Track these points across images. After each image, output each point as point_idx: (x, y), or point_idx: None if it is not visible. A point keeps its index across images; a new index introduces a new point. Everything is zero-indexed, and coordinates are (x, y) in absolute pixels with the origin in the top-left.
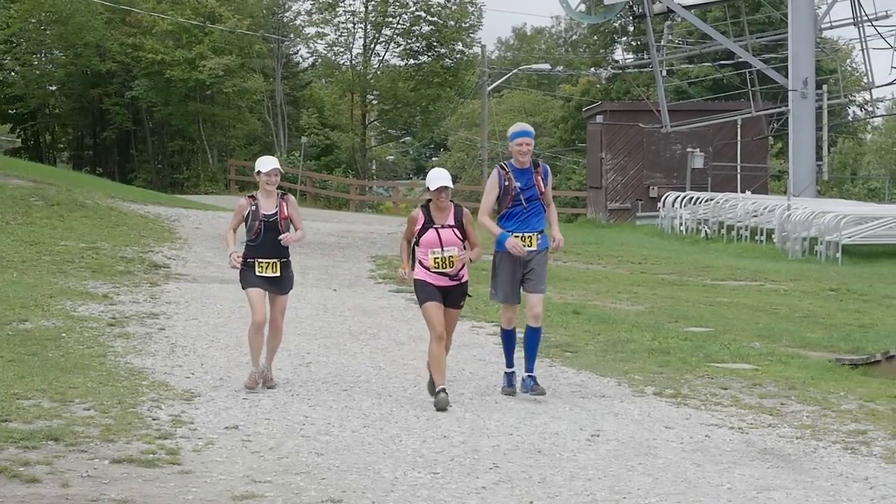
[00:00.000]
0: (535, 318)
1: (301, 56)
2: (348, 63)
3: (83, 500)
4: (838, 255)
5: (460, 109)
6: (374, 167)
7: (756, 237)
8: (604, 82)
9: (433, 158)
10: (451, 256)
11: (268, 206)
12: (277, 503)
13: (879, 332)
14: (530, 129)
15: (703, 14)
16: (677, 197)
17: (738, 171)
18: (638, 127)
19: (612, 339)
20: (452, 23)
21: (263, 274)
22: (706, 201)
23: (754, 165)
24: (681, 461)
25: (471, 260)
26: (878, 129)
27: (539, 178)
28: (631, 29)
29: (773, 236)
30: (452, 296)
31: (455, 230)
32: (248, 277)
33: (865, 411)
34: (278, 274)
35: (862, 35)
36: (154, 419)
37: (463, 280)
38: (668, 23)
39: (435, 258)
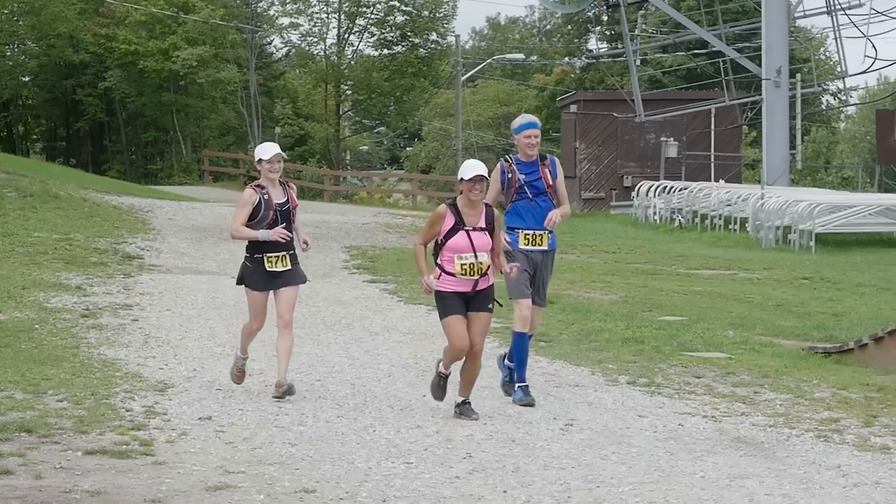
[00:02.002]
0: (524, 321)
1: (275, 46)
2: (322, 53)
3: (56, 492)
4: (812, 243)
5: (434, 99)
6: (348, 157)
7: (730, 226)
8: (578, 72)
9: (407, 148)
10: (482, 263)
11: (277, 195)
12: (251, 494)
13: (852, 320)
14: (537, 120)
15: (677, 3)
16: (651, 186)
17: (712, 160)
18: (612, 116)
19: (586, 328)
20: (426, 12)
21: (274, 269)
22: (680, 190)
23: (728, 154)
24: (654, 450)
25: (501, 271)
26: (852, 118)
27: (546, 170)
28: (605, 18)
29: (746, 225)
30: (478, 300)
31: (487, 233)
32: (252, 276)
33: (838, 399)
34: (289, 267)
35: (835, 24)
36: (127, 410)
37: (488, 285)
38: (642, 12)
39: (463, 265)
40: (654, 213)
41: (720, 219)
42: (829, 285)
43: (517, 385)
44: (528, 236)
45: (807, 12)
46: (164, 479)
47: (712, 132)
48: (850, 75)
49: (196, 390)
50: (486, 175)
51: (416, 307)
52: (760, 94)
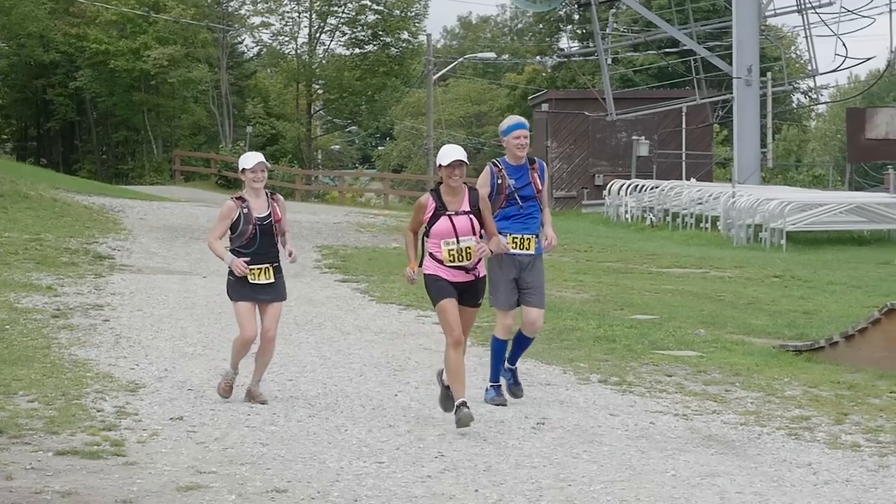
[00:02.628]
0: (534, 331)
1: (246, 46)
2: (293, 52)
3: (27, 493)
4: (783, 241)
5: (406, 98)
6: (319, 157)
7: (701, 224)
8: (549, 71)
9: (379, 148)
10: (469, 248)
11: (259, 208)
12: (222, 494)
13: (823, 318)
14: (525, 121)
15: (648, 2)
16: (623, 185)
17: (684, 158)
18: (583, 115)
19: (558, 327)
20: (398, 12)
21: (257, 281)
22: (651, 189)
23: (699, 153)
24: (626, 448)
25: (490, 252)
26: (822, 117)
27: (535, 175)
28: (576, 17)
29: (718, 224)
30: (469, 293)
31: (471, 217)
32: (237, 288)
33: (809, 397)
34: (272, 280)
35: (806, 22)
36: (98, 411)
37: (480, 275)
38: (613, 11)
39: (449, 250)
40: (626, 212)
41: (691, 217)
42: (800, 283)
43: (490, 384)
44: (516, 240)
45: (777, 11)
46: (136, 479)
47: (683, 131)
48: (821, 74)
49: (167, 390)
50: (465, 159)
51: (388, 306)
52: (731, 93)
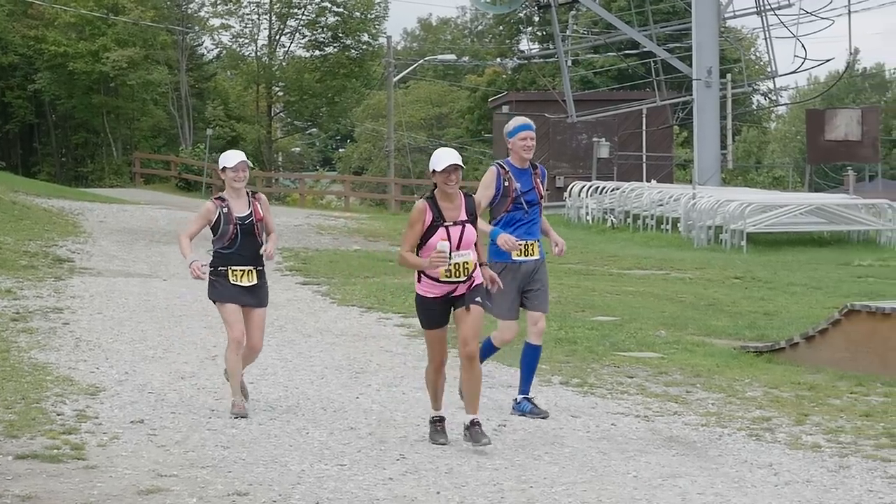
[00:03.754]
0: (539, 333)
1: (206, 48)
2: (253, 54)
3: None
4: (743, 243)
5: (366, 100)
6: (280, 159)
7: (662, 226)
8: (510, 72)
9: (340, 150)
10: (466, 263)
11: (240, 208)
12: (183, 497)
13: (784, 319)
14: (532, 123)
15: (608, 3)
16: (583, 186)
17: (644, 160)
18: (544, 117)
19: (519, 329)
20: (358, 14)
21: (239, 283)
22: (612, 191)
23: (660, 154)
24: (587, 450)
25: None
26: (782, 118)
27: (538, 180)
28: (536, 19)
29: (678, 225)
30: (464, 296)
31: (468, 227)
32: (219, 289)
33: (770, 398)
34: (255, 282)
35: (765, 24)
36: (58, 414)
37: (474, 284)
38: (573, 13)
39: (446, 267)
40: (587, 214)
41: (652, 219)
42: (760, 284)
43: (521, 396)
44: (521, 246)
45: (737, 13)
46: (96, 483)
47: (644, 132)
48: (780, 75)
49: (128, 394)
50: (461, 163)
51: (349, 309)
52: (691, 95)
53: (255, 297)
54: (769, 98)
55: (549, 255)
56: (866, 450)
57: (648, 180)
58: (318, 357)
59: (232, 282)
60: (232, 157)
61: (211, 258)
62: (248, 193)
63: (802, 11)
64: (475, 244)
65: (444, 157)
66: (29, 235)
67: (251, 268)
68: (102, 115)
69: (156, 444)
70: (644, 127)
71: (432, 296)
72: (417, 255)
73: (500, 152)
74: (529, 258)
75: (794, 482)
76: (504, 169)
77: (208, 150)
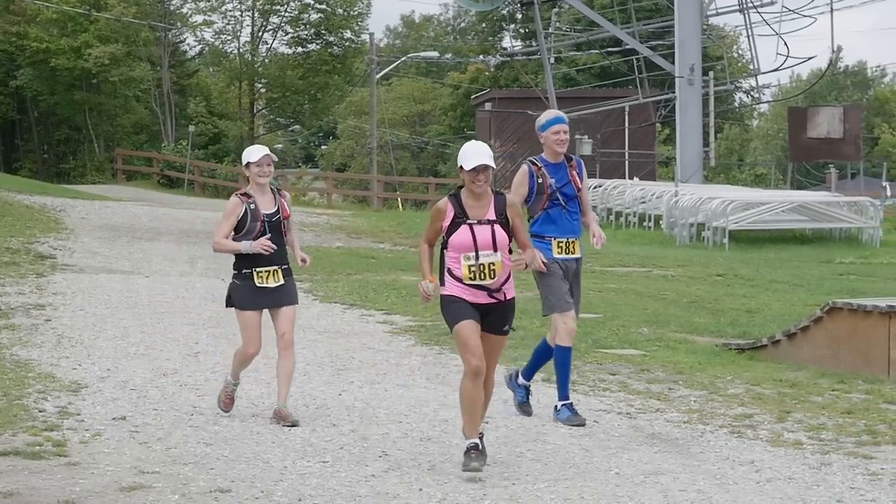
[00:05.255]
0: (570, 334)
1: (188, 44)
2: (236, 51)
3: None
4: (725, 240)
5: (349, 97)
6: None
7: (644, 223)
8: (492, 70)
9: (322, 147)
10: (493, 264)
11: (266, 205)
12: (166, 494)
13: (766, 316)
14: (564, 115)
15: (591, 1)
16: None
17: (626, 157)
18: (526, 114)
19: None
20: (341, 10)
21: (265, 285)
22: (595, 188)
23: (642, 152)
24: (569, 447)
25: (525, 266)
26: (764, 116)
27: (574, 172)
28: (519, 16)
29: (660, 222)
30: (493, 317)
31: (497, 227)
32: (242, 295)
33: (752, 395)
34: (282, 282)
35: (747, 22)
36: (40, 411)
37: (507, 297)
38: (556, 10)
39: (469, 266)
40: None
41: (634, 216)
42: (742, 282)
43: (562, 403)
44: (561, 244)
45: (719, 10)
46: (78, 479)
47: (626, 130)
48: (763, 73)
49: (110, 390)
50: (492, 163)
51: (331, 306)
52: (674, 92)
53: (282, 297)
54: (751, 96)
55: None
56: (848, 447)
57: (631, 178)
58: (301, 354)
59: (258, 285)
60: (256, 152)
61: (234, 260)
62: (272, 190)
63: (785, 9)
64: (517, 239)
65: (473, 156)
66: (11, 232)
67: (276, 267)
68: (84, 112)
69: (138, 440)
70: (627, 124)
71: (459, 295)
72: (443, 252)
73: None
74: (570, 256)
75: (776, 479)
76: (536, 165)
77: (190, 146)
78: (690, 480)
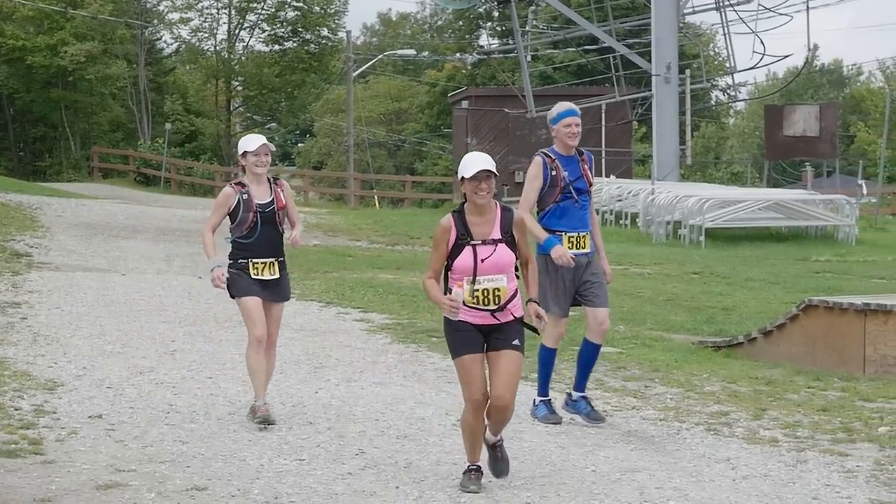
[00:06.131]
0: (602, 333)
1: (165, 42)
2: (212, 49)
3: None
4: (702, 238)
5: (326, 95)
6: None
7: (621, 221)
8: (469, 68)
9: (299, 144)
10: (497, 289)
11: (261, 195)
12: (142, 492)
13: (742, 314)
14: (576, 108)
15: None
16: None
17: (603, 155)
18: (503, 112)
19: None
20: (318, 8)
21: (260, 276)
22: None
23: (618, 150)
24: (545, 444)
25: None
26: (741, 114)
27: (586, 166)
28: (496, 14)
29: (637, 220)
30: (501, 332)
31: (502, 247)
32: (240, 283)
33: (728, 393)
34: (277, 276)
35: (724, 20)
36: (16, 409)
37: (514, 316)
38: (533, 8)
39: (472, 290)
40: None
41: (611, 214)
42: (718, 280)
43: (539, 399)
44: (572, 239)
45: (696, 8)
46: (54, 478)
47: (603, 128)
48: (739, 71)
49: (86, 388)
50: (494, 170)
51: (308, 303)
52: (650, 90)
53: (277, 291)
54: (728, 94)
55: None
56: (823, 444)
57: (608, 176)
58: (278, 352)
59: (253, 276)
60: (253, 141)
61: (230, 250)
62: (269, 180)
63: (761, 7)
64: (520, 254)
65: (473, 163)
66: None
67: (272, 260)
68: (60, 110)
69: (114, 439)
70: (603, 122)
71: (462, 318)
72: (447, 276)
73: (460, 147)
74: (581, 251)
75: (752, 476)
76: (550, 157)
77: (167, 144)
78: (667, 478)
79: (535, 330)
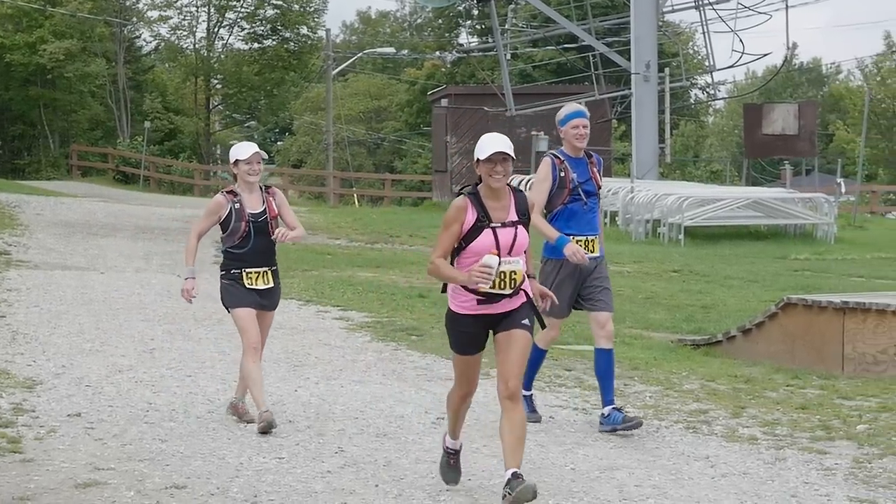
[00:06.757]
0: (609, 337)
1: (144, 40)
2: (192, 47)
3: None
4: (681, 236)
5: (305, 93)
6: (218, 152)
7: None
8: (449, 66)
9: (278, 143)
10: (514, 272)
11: (253, 204)
12: (121, 490)
13: (721, 312)
14: (585, 109)
15: None
16: (522, 180)
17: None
18: (483, 110)
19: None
20: (297, 6)
21: (254, 286)
22: None
23: (598, 148)
24: (525, 442)
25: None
26: (720, 112)
27: (595, 169)
28: (475, 13)
29: (616, 219)
30: (508, 318)
31: (520, 230)
32: (233, 293)
33: (707, 391)
34: (271, 284)
35: (703, 18)
36: None
37: (522, 302)
38: (512, 6)
39: (489, 285)
40: None
41: None
42: (698, 278)
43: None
44: (580, 242)
45: (675, 7)
46: (33, 476)
47: None
48: (718, 69)
49: (65, 387)
50: (511, 152)
51: (287, 302)
52: (630, 89)
53: (269, 300)
54: (707, 92)
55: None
56: (802, 442)
57: None
58: None
59: (247, 286)
60: (245, 149)
61: (222, 259)
62: (261, 188)
63: (740, 6)
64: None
65: (489, 144)
66: None
67: (266, 269)
68: (39, 108)
69: (93, 437)
70: None
71: (468, 312)
72: (456, 258)
73: (439, 145)
74: (589, 255)
75: (731, 474)
76: (559, 159)
77: (146, 142)
78: (646, 475)
79: (542, 323)
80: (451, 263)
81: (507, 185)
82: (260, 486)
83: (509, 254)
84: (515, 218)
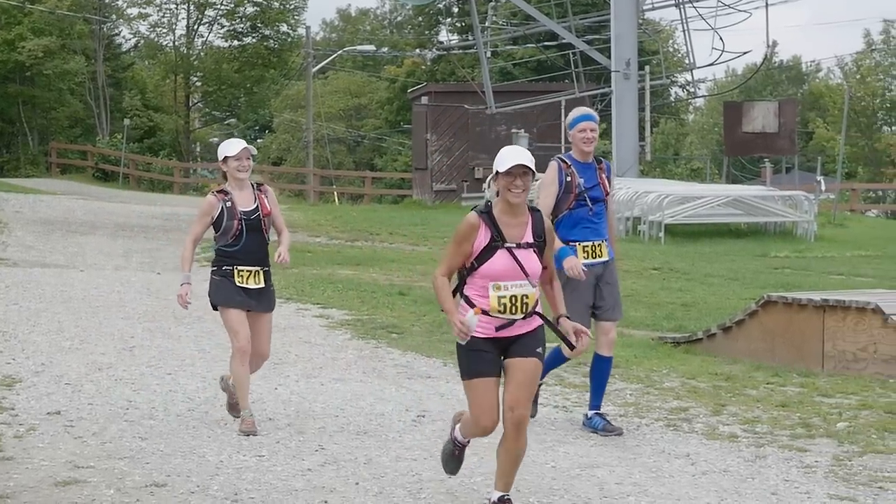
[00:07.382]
0: (609, 344)
1: (123, 37)
2: (171, 44)
3: None
4: (661, 234)
5: (285, 91)
6: (198, 149)
7: None
8: (429, 64)
9: (258, 140)
10: (526, 296)
11: (244, 201)
12: (101, 488)
13: (701, 310)
14: (594, 113)
15: None
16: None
17: (563, 151)
18: (463, 108)
19: (438, 319)
20: (277, 4)
21: (245, 285)
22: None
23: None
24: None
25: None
26: (700, 110)
27: (603, 175)
28: (455, 10)
29: None
30: (521, 342)
31: (535, 253)
32: (223, 291)
33: (687, 389)
34: (262, 285)
35: (683, 16)
36: None
37: (534, 327)
38: (492, 4)
39: (501, 297)
40: None
41: None
42: (678, 276)
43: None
44: (587, 248)
45: (655, 4)
46: (12, 474)
47: (562, 124)
48: (698, 67)
49: (44, 385)
50: (532, 166)
51: None
52: (610, 86)
53: (262, 301)
54: (687, 90)
55: None
56: (782, 440)
57: None
58: None
59: (238, 284)
60: (234, 145)
61: (214, 256)
62: (252, 185)
63: (720, 4)
64: (544, 273)
65: (509, 156)
66: None
67: (258, 268)
68: (18, 105)
69: (73, 435)
70: (563, 118)
71: (480, 335)
72: (466, 277)
73: (419, 143)
74: (597, 260)
75: (712, 472)
76: (565, 163)
77: (126, 140)
78: (626, 473)
79: (570, 344)
80: (463, 282)
81: (527, 204)
82: (240, 483)
83: (525, 278)
84: (531, 240)
